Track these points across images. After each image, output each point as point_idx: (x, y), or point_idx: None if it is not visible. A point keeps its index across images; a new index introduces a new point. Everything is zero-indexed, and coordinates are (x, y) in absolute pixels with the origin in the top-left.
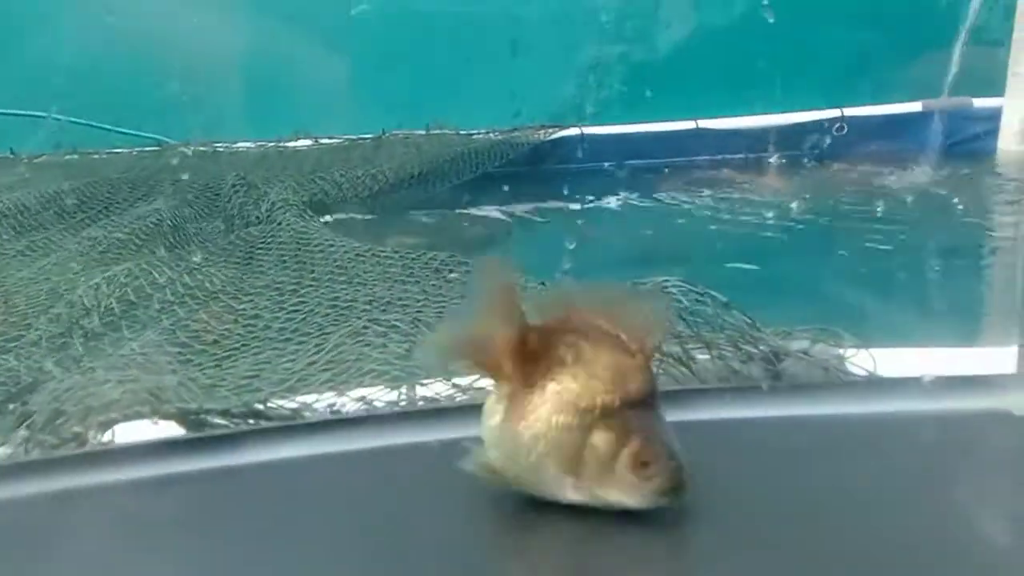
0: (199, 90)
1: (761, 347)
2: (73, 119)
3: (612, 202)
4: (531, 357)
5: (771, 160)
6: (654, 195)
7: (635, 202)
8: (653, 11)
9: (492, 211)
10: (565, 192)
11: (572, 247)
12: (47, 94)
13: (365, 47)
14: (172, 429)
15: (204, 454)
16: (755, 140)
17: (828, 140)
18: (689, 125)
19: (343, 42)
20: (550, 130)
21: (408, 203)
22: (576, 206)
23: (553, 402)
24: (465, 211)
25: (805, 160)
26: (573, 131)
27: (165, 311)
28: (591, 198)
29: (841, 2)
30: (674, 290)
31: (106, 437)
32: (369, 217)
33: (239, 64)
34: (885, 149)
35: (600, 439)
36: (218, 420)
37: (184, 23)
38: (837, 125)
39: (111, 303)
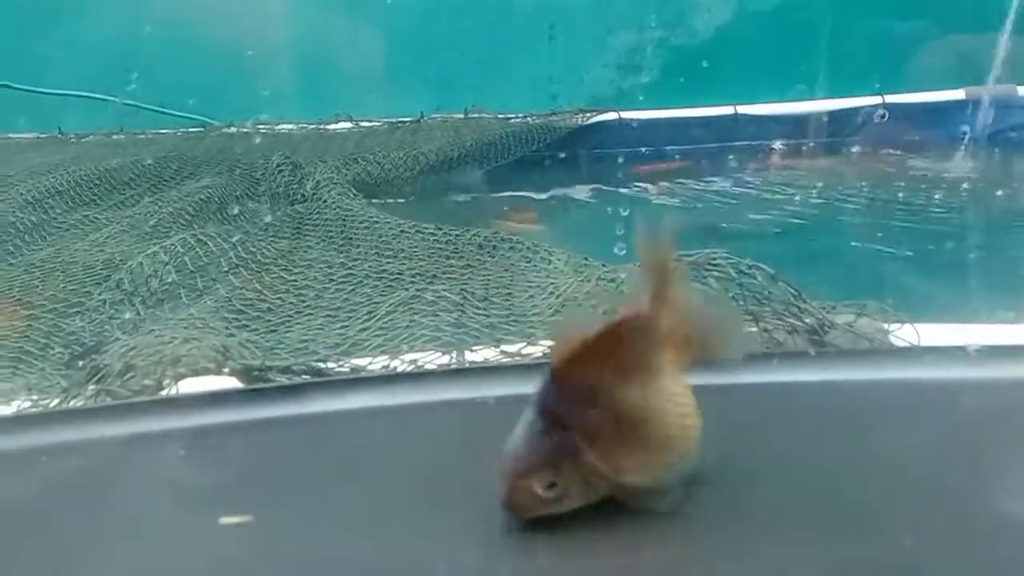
0: (241, 73)
1: (807, 319)
2: (119, 100)
3: (650, 186)
4: None
5: (810, 147)
6: (692, 179)
7: (673, 186)
8: None
9: (531, 194)
10: (604, 176)
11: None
12: (93, 75)
13: (404, 31)
14: (235, 384)
15: (267, 404)
16: (794, 126)
17: (869, 127)
18: (727, 110)
19: (382, 26)
20: (587, 114)
21: (446, 186)
22: (615, 189)
23: None
24: (503, 194)
25: (845, 147)
26: (611, 115)
27: (219, 280)
28: (629, 182)
29: None
30: (722, 262)
31: (174, 391)
32: (409, 199)
33: (280, 47)
34: (927, 136)
35: None
36: (279, 377)
37: (226, 6)
38: (879, 112)
39: (169, 271)
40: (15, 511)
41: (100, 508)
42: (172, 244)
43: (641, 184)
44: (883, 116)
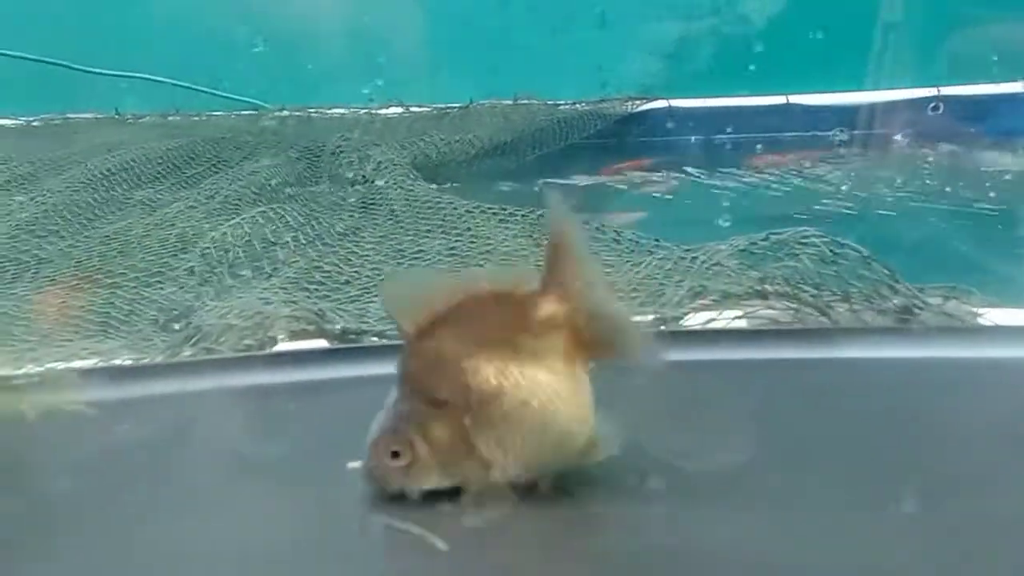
0: (293, 57)
1: (896, 300)
2: (174, 81)
3: (700, 174)
4: None
5: (863, 138)
6: (742, 167)
7: (724, 174)
8: None
9: (581, 180)
10: (654, 164)
11: (668, 215)
12: (148, 56)
13: (454, 16)
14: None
15: (364, 362)
16: (846, 117)
17: (923, 119)
18: (779, 100)
19: (432, 11)
20: (637, 102)
21: (497, 171)
22: (665, 177)
23: None
24: (554, 180)
25: (898, 138)
26: (660, 103)
27: (299, 252)
28: (680, 169)
29: None
30: (816, 240)
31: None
32: (464, 181)
33: (331, 32)
34: (982, 129)
35: None
36: (374, 340)
37: None
38: (932, 104)
39: (250, 242)
40: (138, 454)
41: (221, 453)
42: (253, 216)
43: (689, 171)
44: (937, 107)
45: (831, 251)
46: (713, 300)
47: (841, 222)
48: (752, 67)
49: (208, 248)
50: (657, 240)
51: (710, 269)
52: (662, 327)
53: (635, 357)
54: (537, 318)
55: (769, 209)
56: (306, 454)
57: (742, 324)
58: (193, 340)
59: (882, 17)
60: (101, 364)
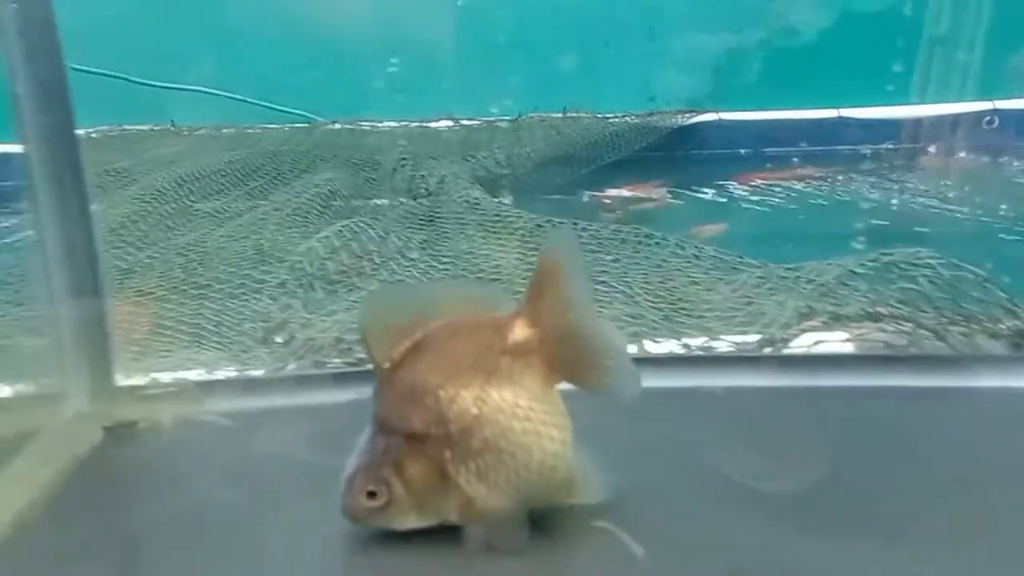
0: (344, 70)
1: (1011, 323)
2: (228, 94)
3: (753, 188)
4: None
5: (916, 151)
6: (796, 181)
7: (777, 188)
8: None
9: (633, 193)
10: (706, 177)
11: (729, 228)
12: (204, 69)
13: (504, 30)
14: None
15: None
16: (899, 131)
17: (977, 133)
18: (831, 113)
19: (483, 24)
20: (687, 115)
21: (552, 184)
22: (716, 191)
23: None
24: (605, 193)
25: (952, 153)
26: (710, 116)
27: (383, 266)
28: (731, 183)
29: None
30: (931, 261)
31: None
32: (522, 194)
33: (381, 46)
34: None
35: None
36: None
37: (330, 5)
38: (987, 118)
39: (334, 255)
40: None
41: None
42: (339, 230)
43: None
44: (992, 121)
45: (946, 272)
46: (822, 322)
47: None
48: (803, 80)
49: (305, 259)
50: (741, 256)
51: (817, 289)
52: (767, 349)
53: (608, 386)
54: (511, 341)
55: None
56: None
57: (850, 348)
58: (300, 353)
59: (934, 30)
60: (222, 376)
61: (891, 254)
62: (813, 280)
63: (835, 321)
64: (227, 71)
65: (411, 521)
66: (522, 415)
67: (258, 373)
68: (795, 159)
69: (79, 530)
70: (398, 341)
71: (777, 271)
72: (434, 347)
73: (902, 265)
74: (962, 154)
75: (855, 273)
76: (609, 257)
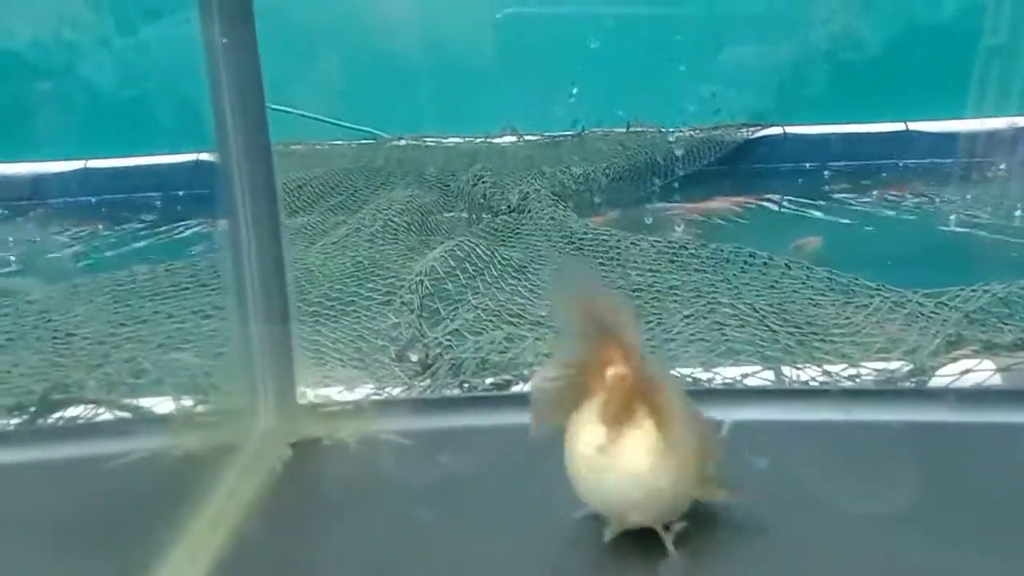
0: (408, 86)
1: None
2: (296, 111)
3: (823, 202)
4: None
5: (986, 165)
6: (866, 196)
7: (848, 203)
8: (862, 8)
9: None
10: (773, 192)
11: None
12: (275, 86)
13: (568, 45)
14: None
15: None
16: (968, 144)
17: None
18: (898, 127)
19: (544, 39)
20: (752, 129)
21: (618, 199)
22: (786, 206)
23: None
24: (670, 208)
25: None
26: (775, 130)
27: (493, 284)
28: (800, 198)
29: None
30: None
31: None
32: (600, 210)
33: (445, 62)
34: None
35: None
36: None
37: (394, 23)
38: None
39: (454, 273)
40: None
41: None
42: (452, 249)
43: (810, 200)
44: None
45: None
46: (972, 351)
47: None
48: (870, 93)
49: (426, 279)
50: (856, 278)
51: (966, 317)
52: (913, 380)
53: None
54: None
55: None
56: None
57: (999, 380)
58: (444, 372)
59: (1005, 44)
60: (393, 396)
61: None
62: (958, 307)
63: (987, 350)
64: (290, 87)
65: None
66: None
67: (424, 394)
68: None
69: (294, 547)
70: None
71: (914, 297)
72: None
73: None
74: None
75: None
76: (718, 278)
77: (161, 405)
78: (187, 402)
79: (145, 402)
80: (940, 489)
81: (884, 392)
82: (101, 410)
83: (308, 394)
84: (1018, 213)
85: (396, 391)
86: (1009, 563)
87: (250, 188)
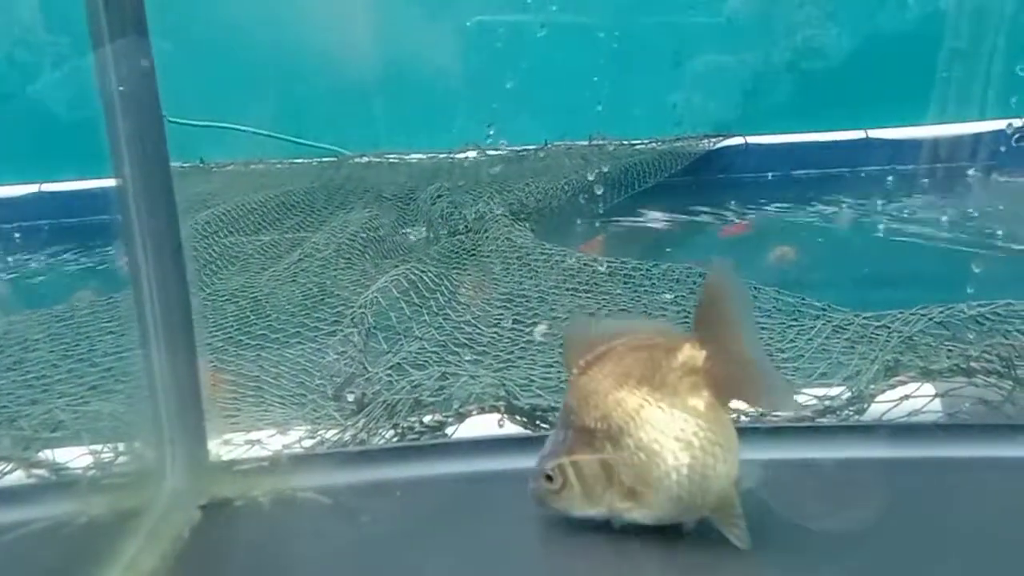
0: (369, 104)
1: None
2: (256, 130)
3: (785, 212)
4: None
5: (946, 171)
6: (828, 206)
7: (810, 214)
8: (820, 20)
9: (665, 220)
10: (734, 203)
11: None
12: (231, 106)
13: (527, 58)
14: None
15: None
16: (928, 150)
17: (1005, 151)
18: (859, 135)
19: (505, 53)
20: (713, 140)
21: (577, 212)
22: (747, 216)
23: None
24: (636, 221)
25: (981, 172)
26: (737, 140)
27: (439, 313)
28: (762, 208)
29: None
30: None
31: (460, 429)
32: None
33: (405, 78)
34: None
35: None
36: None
37: (353, 40)
38: (1017, 135)
39: (397, 303)
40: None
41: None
42: (395, 278)
43: (772, 209)
44: (1021, 140)
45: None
46: (910, 377)
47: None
48: (830, 103)
49: (367, 312)
50: (803, 298)
51: (904, 342)
52: (853, 408)
53: (770, 403)
54: (679, 361)
55: None
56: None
57: (938, 407)
58: (378, 413)
59: (962, 50)
60: (313, 443)
61: (985, 305)
62: (896, 332)
63: (924, 376)
64: (251, 107)
65: (583, 507)
66: (677, 426)
67: (348, 447)
68: None
69: None
70: (588, 352)
71: (856, 319)
72: (613, 359)
73: (997, 317)
74: (988, 173)
75: (947, 324)
76: (669, 296)
77: (77, 460)
78: (104, 456)
79: (62, 456)
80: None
81: (820, 428)
82: (10, 467)
83: (220, 444)
84: (978, 216)
85: (329, 434)
86: None
87: (148, 212)
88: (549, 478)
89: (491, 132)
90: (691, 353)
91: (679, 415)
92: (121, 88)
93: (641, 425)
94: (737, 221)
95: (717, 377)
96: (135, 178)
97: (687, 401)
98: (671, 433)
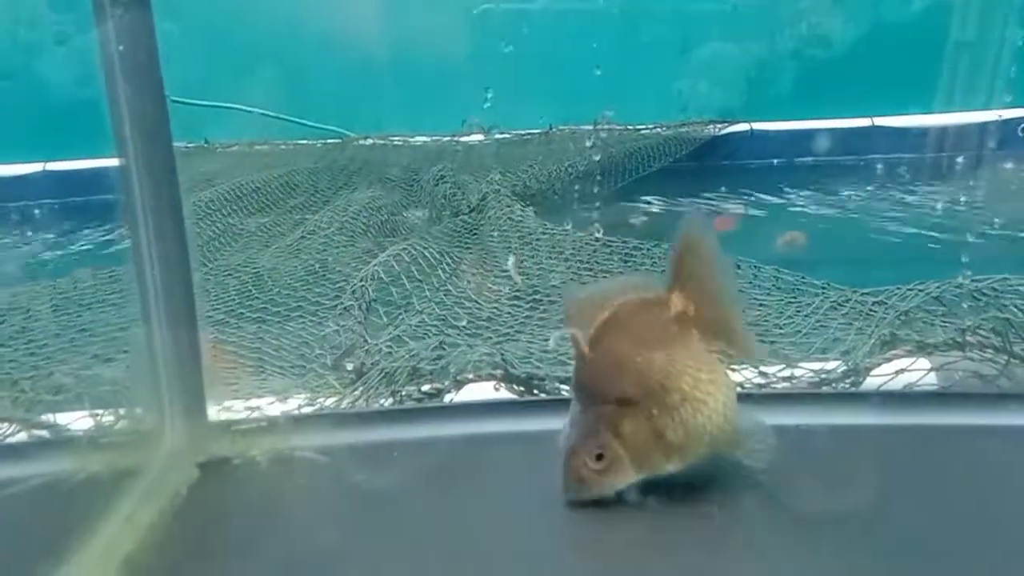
0: (375, 86)
1: None
2: (261, 111)
3: (788, 199)
4: None
5: (950, 159)
6: (831, 193)
7: (812, 200)
8: (826, 7)
9: (669, 205)
10: (739, 188)
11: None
12: (237, 87)
13: (533, 42)
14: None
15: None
16: (933, 139)
17: (1011, 140)
18: (864, 122)
19: (511, 37)
20: (719, 125)
21: (583, 197)
22: (752, 202)
23: None
24: (639, 204)
25: (986, 160)
26: (742, 127)
27: (440, 289)
28: (765, 195)
29: None
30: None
31: (457, 396)
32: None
33: (411, 61)
34: None
35: None
36: (562, 386)
37: (360, 22)
38: (1022, 125)
39: (401, 280)
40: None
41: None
42: (397, 253)
43: (775, 196)
44: None
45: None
46: (906, 351)
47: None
48: (836, 90)
49: (368, 285)
50: (803, 277)
51: (900, 317)
52: (848, 380)
53: (743, 351)
54: (674, 312)
55: None
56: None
57: (933, 380)
58: (376, 382)
59: (969, 39)
60: (312, 409)
61: (979, 280)
62: (893, 308)
63: (920, 350)
64: (257, 88)
65: (630, 476)
66: (704, 371)
67: (346, 408)
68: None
69: None
70: (589, 325)
71: (853, 296)
72: (620, 326)
73: (994, 291)
74: (992, 162)
75: (943, 299)
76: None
77: (78, 423)
78: (104, 419)
79: (63, 419)
80: (872, 492)
81: (819, 395)
82: (12, 428)
83: (220, 410)
84: (983, 205)
85: (328, 401)
86: None
87: (151, 190)
88: (599, 457)
89: (495, 116)
90: (681, 303)
91: (700, 360)
92: (125, 67)
93: (680, 376)
94: (723, 216)
95: (700, 323)
96: (138, 156)
97: (694, 346)
98: (705, 377)
